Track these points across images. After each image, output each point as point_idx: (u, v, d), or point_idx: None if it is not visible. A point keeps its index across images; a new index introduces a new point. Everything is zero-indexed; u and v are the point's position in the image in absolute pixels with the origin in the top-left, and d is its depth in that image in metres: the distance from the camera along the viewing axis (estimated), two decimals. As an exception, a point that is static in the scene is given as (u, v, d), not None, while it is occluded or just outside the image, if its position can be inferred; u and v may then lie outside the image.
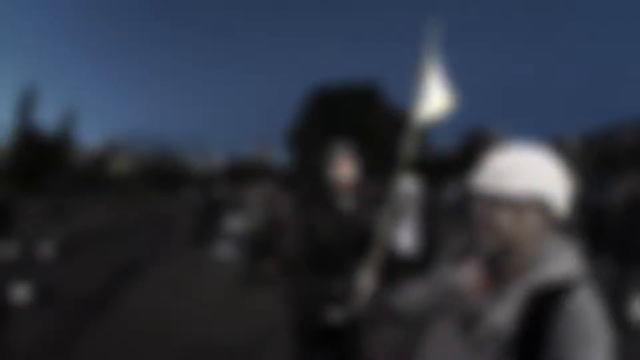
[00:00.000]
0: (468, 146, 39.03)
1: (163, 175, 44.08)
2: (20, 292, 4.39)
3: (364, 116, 36.88)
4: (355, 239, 1.60)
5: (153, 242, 9.23)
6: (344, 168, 1.68)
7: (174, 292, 5.04)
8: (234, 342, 3.39)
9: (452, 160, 38.09)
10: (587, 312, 0.62)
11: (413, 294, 1.00)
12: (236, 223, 8.80)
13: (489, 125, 39.33)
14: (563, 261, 0.70)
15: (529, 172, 0.71)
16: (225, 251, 7.59)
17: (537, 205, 0.71)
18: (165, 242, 9.10)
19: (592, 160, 40.24)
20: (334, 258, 1.65)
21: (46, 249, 7.56)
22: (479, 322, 0.71)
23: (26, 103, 27.18)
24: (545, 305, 0.65)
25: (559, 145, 47.09)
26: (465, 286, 0.77)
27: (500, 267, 0.75)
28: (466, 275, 0.79)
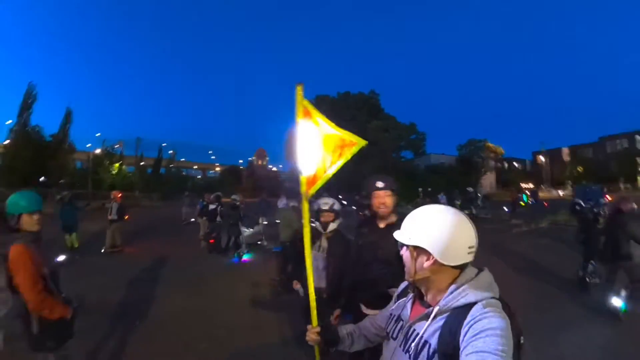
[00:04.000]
0: (464, 157, 39.44)
1: (162, 181, 43.63)
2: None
3: (364, 125, 36.85)
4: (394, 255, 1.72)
5: (165, 248, 8.83)
6: (383, 202, 1.88)
7: (198, 297, 4.96)
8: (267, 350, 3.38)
9: (447, 170, 38.32)
10: (481, 317, 0.87)
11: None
12: (253, 231, 8.71)
13: (484, 138, 39.83)
14: (467, 290, 0.95)
15: (417, 227, 1.01)
16: (244, 257, 7.47)
17: (421, 251, 1.00)
18: (178, 248, 8.79)
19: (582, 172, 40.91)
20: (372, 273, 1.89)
21: (58, 255, 7.29)
22: (415, 337, 1.00)
23: (28, 104, 27.21)
24: (456, 319, 0.91)
25: (551, 157, 47.85)
26: (406, 314, 1.10)
27: (424, 299, 1.06)
28: (407, 308, 1.12)
